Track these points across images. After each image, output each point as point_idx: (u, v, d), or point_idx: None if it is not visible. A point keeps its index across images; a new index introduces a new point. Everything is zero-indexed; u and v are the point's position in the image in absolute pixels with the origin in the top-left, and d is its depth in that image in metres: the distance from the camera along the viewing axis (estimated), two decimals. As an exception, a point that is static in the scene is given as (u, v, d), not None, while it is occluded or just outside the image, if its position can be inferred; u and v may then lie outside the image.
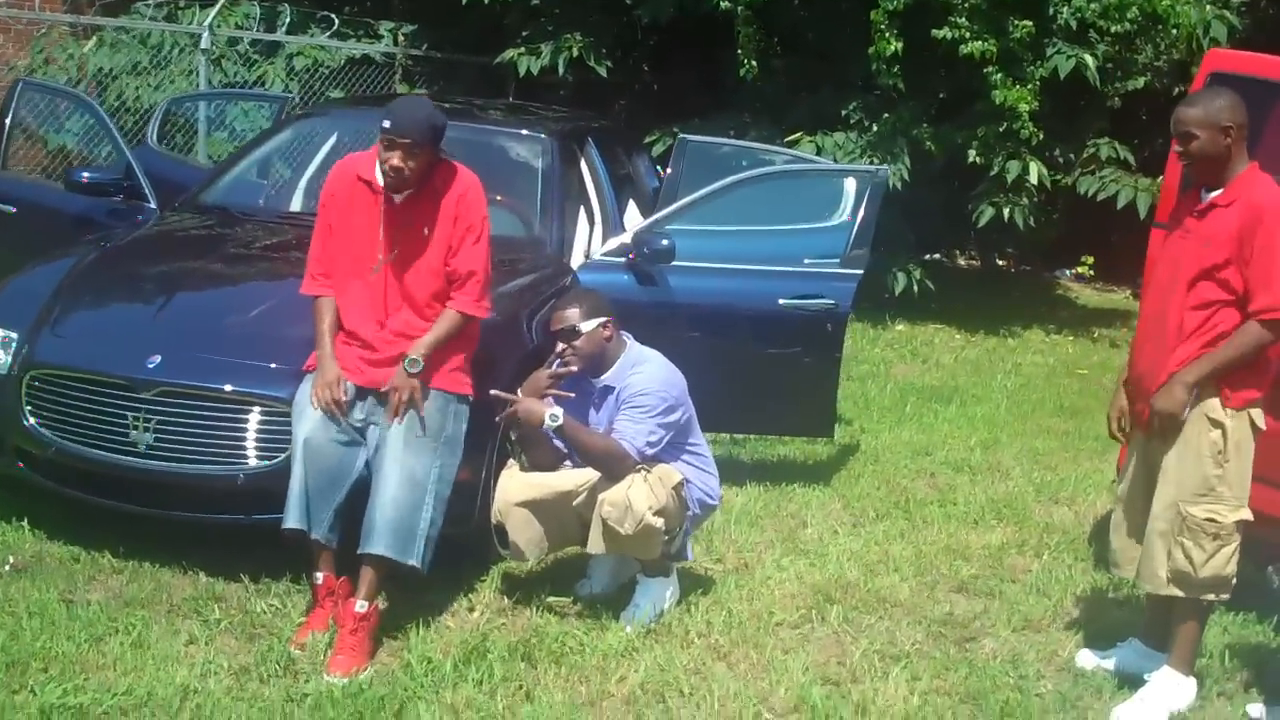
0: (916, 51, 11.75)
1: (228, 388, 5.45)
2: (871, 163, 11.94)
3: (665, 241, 6.86)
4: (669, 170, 8.21)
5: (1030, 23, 11.56)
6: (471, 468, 5.57)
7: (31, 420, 5.64)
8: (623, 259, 6.99)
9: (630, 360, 5.45)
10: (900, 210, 12.92)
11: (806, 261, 7.19)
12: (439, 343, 5.26)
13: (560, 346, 5.40)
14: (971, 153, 11.98)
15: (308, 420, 5.20)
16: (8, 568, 5.52)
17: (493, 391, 5.32)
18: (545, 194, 7.20)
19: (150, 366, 5.47)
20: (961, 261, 16.77)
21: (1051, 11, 11.85)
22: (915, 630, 5.56)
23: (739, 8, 12.10)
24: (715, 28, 12.90)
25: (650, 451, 5.29)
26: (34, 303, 5.96)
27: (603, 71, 13.23)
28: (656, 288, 6.96)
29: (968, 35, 11.40)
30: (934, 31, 11.50)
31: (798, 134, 12.35)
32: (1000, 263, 16.75)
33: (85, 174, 7.41)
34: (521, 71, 13.17)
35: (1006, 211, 12.08)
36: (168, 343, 5.60)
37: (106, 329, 5.84)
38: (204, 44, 12.94)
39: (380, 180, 5.26)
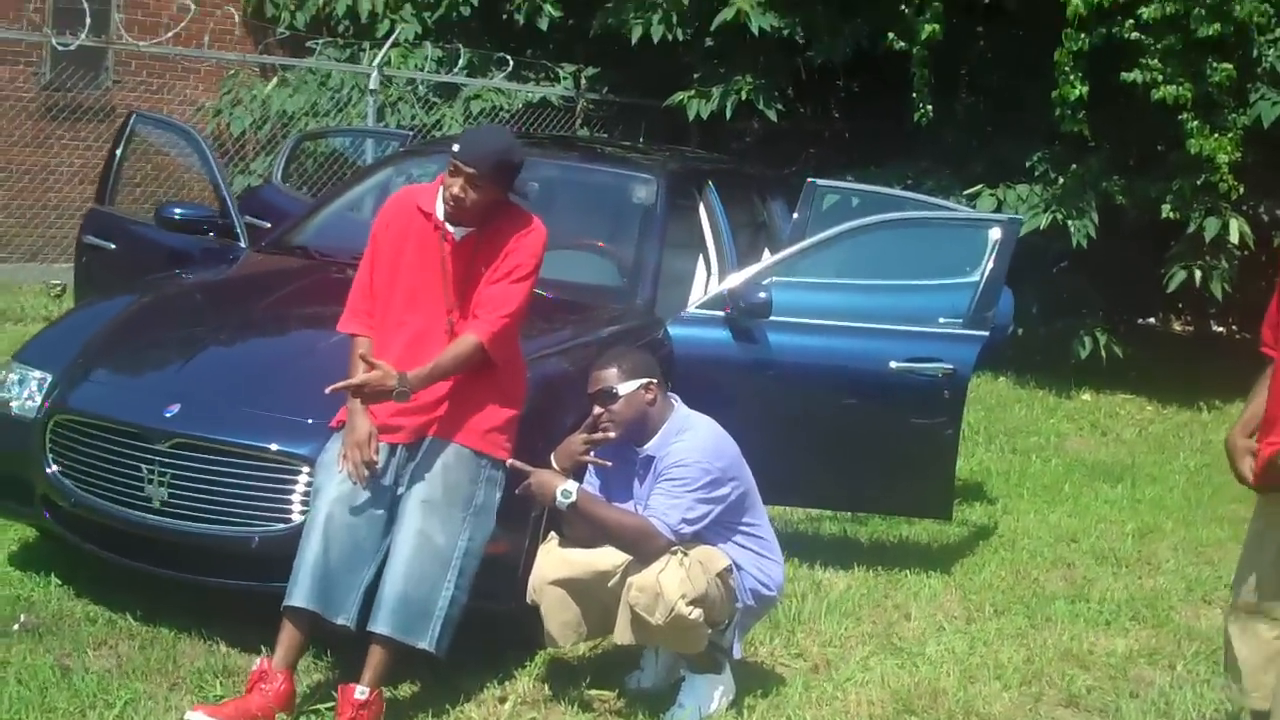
0: (1105, 97, 10.90)
1: (242, 441, 5.00)
2: (1056, 219, 11.16)
3: (762, 294, 6.25)
4: (795, 216, 7.59)
5: (1230, 65, 10.58)
6: (513, 539, 5.04)
7: (54, 468, 5.30)
8: (721, 312, 6.39)
9: (675, 427, 4.84)
10: (1089, 270, 12.10)
11: (940, 320, 6.50)
12: (444, 370, 4.72)
13: (597, 410, 4.83)
14: (1166, 207, 11.04)
15: (332, 488, 4.71)
16: (16, 627, 5.15)
17: (509, 462, 4.78)
18: (643, 240, 6.65)
19: (167, 416, 5.07)
20: (1177, 326, 15.69)
21: (1256, 53, 10.83)
22: (1000, 753, 4.83)
23: (914, 48, 11.40)
24: (896, 69, 12.23)
25: (688, 530, 4.67)
26: (75, 344, 5.64)
27: (772, 115, 12.66)
28: (754, 345, 6.37)
29: (1160, 79, 10.50)
30: (1123, 75, 10.63)
31: (978, 187, 11.59)
32: (1217, 329, 15.58)
33: (177, 210, 7.11)
34: (691, 115, 12.69)
35: (1199, 274, 11.08)
36: (191, 391, 5.20)
37: (133, 375, 5.48)
38: (372, 84, 12.78)
39: (439, 211, 4.80)
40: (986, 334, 6.35)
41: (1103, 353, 11.74)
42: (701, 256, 7.25)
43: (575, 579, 4.81)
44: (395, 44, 13.83)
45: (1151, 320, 14.86)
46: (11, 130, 13.46)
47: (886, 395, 6.33)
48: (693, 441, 4.78)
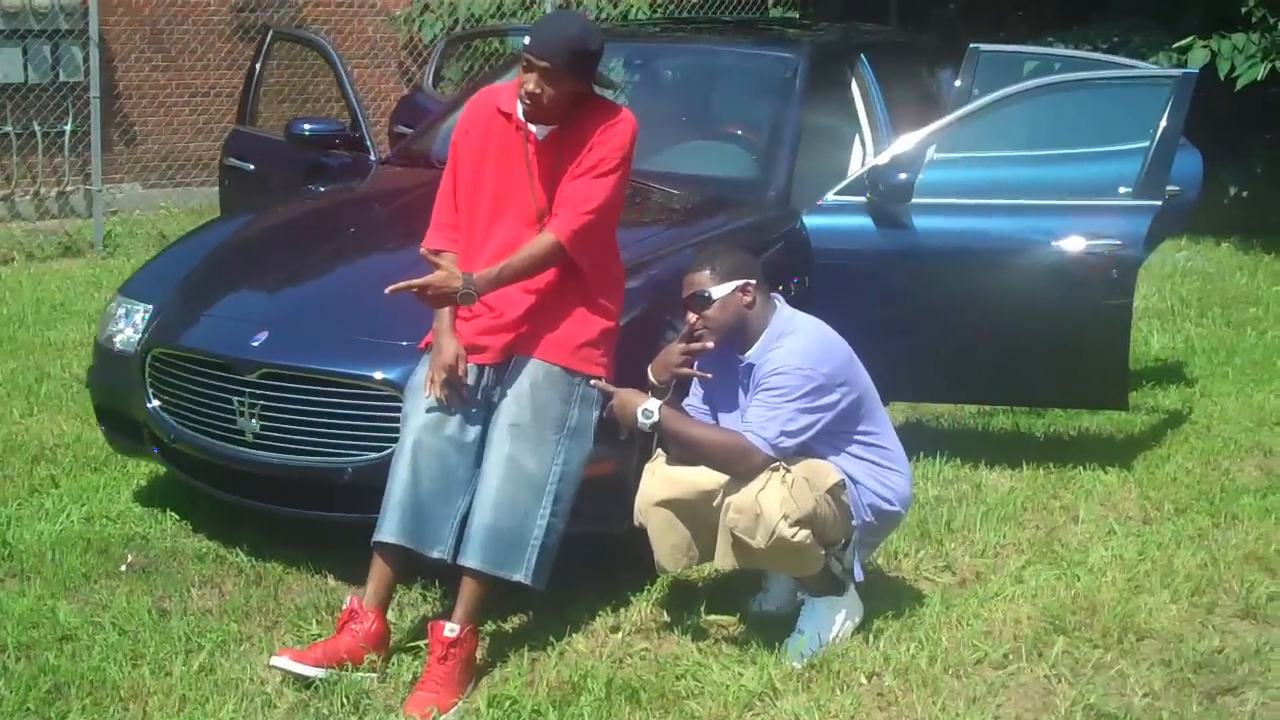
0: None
1: (328, 368, 4.75)
2: (1276, 67, 10.23)
3: (903, 175, 5.74)
4: (957, 85, 7.00)
5: None
6: (620, 457, 4.71)
7: (154, 402, 5.16)
8: (860, 198, 5.90)
9: (777, 330, 4.41)
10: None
11: (1120, 190, 5.88)
12: (518, 272, 4.38)
13: (691, 317, 4.43)
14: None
15: (419, 415, 4.43)
16: (124, 567, 5.05)
17: (592, 382, 4.42)
18: (777, 125, 6.17)
19: (254, 345, 4.86)
20: None
21: None
22: (1157, 675, 4.32)
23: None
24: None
25: (789, 444, 4.25)
26: (178, 274, 5.48)
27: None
28: (899, 231, 5.86)
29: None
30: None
31: (1189, 39, 10.69)
32: None
33: (307, 126, 6.89)
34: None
35: None
36: (280, 319, 4.99)
37: (225, 304, 5.26)
38: (550, -22, 12.42)
39: (519, 111, 4.45)
40: (1159, 203, 5.73)
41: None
42: (857, 138, 6.75)
43: (681, 499, 4.45)
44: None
45: None
46: (205, 53, 13.50)
47: (1048, 277, 5.77)
48: (794, 346, 4.35)
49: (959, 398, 6.40)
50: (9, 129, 12.54)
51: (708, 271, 4.41)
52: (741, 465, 4.23)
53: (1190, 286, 9.56)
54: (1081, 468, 6.00)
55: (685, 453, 4.36)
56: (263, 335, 4.87)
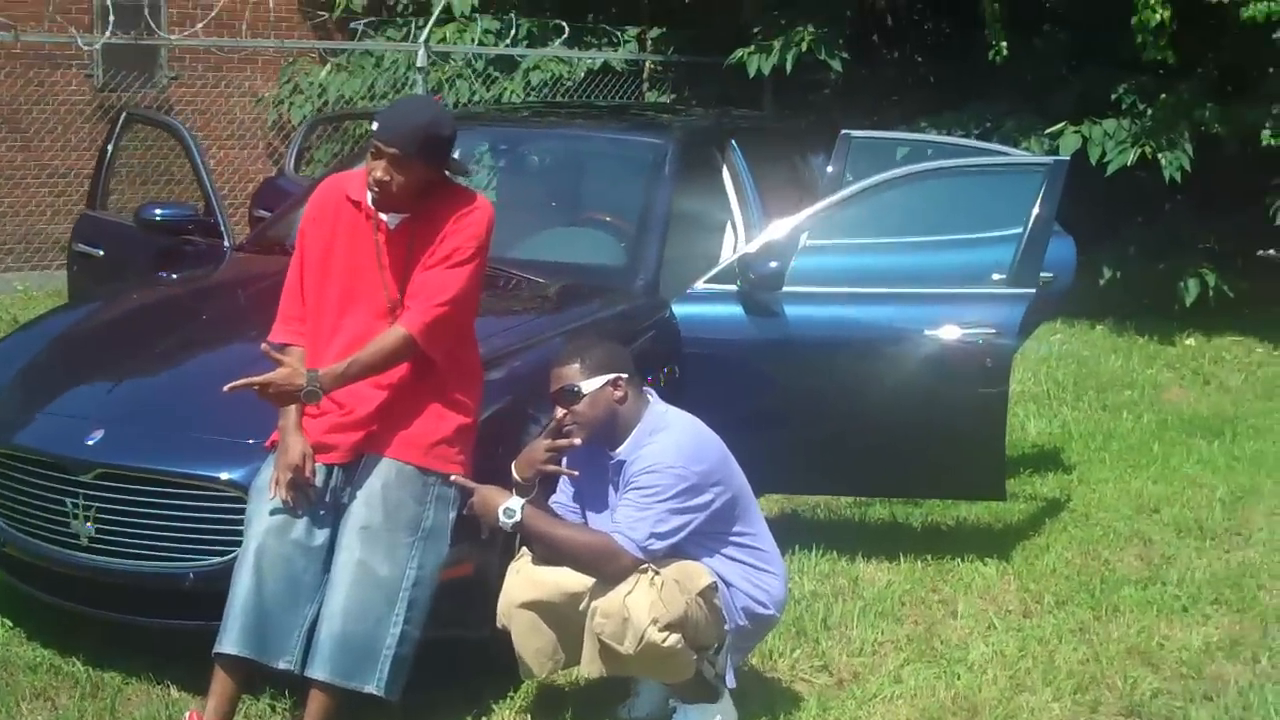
0: (1191, 18, 10.01)
1: (167, 469, 4.48)
2: (1145, 152, 10.33)
3: (773, 263, 5.61)
4: (829, 171, 6.91)
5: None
6: (480, 558, 4.48)
7: (-14, 505, 4.84)
8: (731, 287, 5.75)
9: (649, 427, 4.22)
10: (1192, 207, 11.24)
11: (990, 278, 5.79)
12: (366, 367, 4.14)
13: (560, 412, 4.23)
14: (1266, 134, 10.15)
15: (263, 518, 4.17)
16: (-51, 680, 4.71)
17: (453, 478, 4.20)
18: (645, 211, 6.02)
19: (89, 444, 4.57)
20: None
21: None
22: (1040, 781, 4.16)
23: (983, -20, 10.62)
24: (971, 5, 11.42)
25: (659, 546, 4.05)
26: (14, 366, 5.18)
27: (837, 65, 11.90)
28: (770, 319, 5.71)
29: (1248, -4, 9.59)
30: (1207, -6, 9.76)
31: (1060, 124, 10.78)
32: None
33: (158, 211, 6.62)
34: (751, 71, 11.95)
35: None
36: (116, 416, 4.70)
37: (63, 399, 4.95)
38: (419, 61, 12.27)
39: (369, 199, 4.24)
40: (1033, 291, 5.64)
41: (1211, 294, 10.88)
42: (728, 225, 6.62)
43: (546, 601, 4.23)
44: (450, 19, 13.33)
45: (1272, 251, 13.84)
46: (65, 133, 13.16)
47: (921, 366, 5.64)
48: (666, 443, 4.15)
49: (834, 489, 6.26)
50: None
51: (577, 365, 4.21)
52: (609, 567, 4.02)
53: (1066, 370, 9.54)
54: (960, 559, 5.86)
55: (550, 553, 4.15)
56: (99, 433, 4.58)
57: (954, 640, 5.14)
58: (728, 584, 4.20)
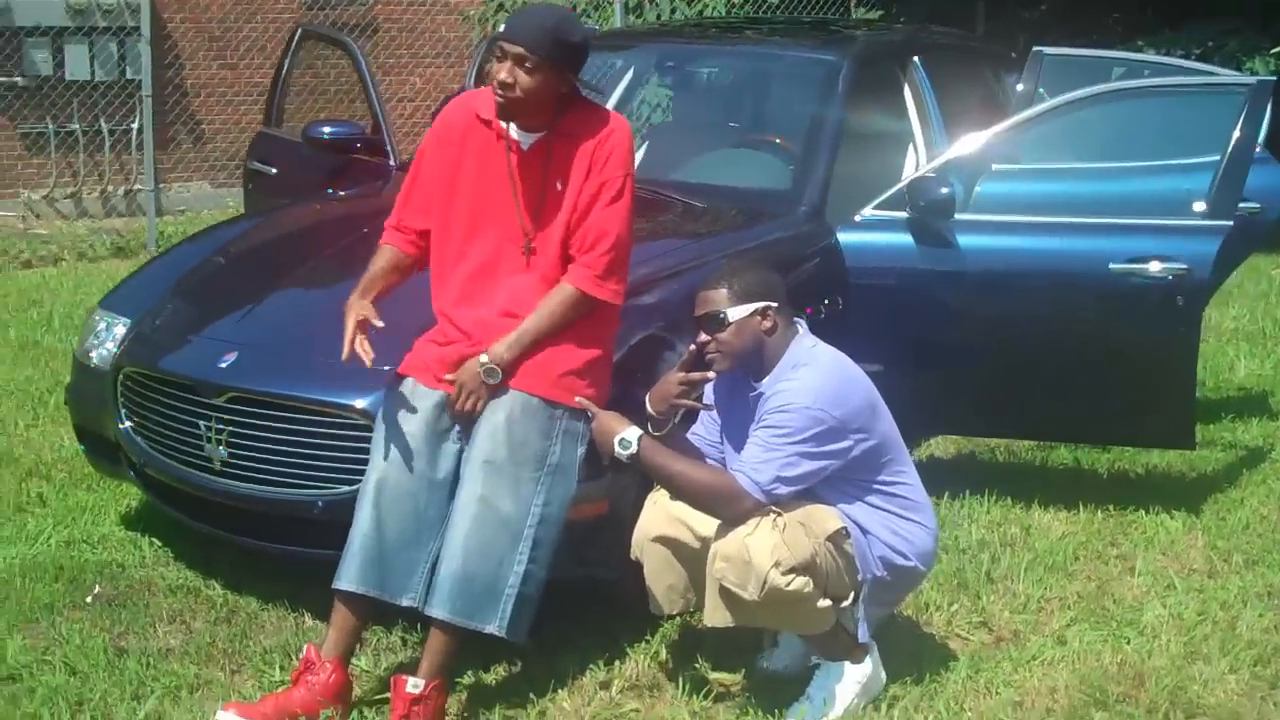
0: None
1: (297, 394, 4.37)
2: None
3: (944, 189, 5.27)
4: (1019, 90, 6.49)
5: None
6: (617, 494, 4.29)
7: (126, 423, 4.82)
8: (901, 214, 5.42)
9: (792, 360, 3.95)
10: None
11: (1195, 207, 5.36)
12: (540, 333, 3.98)
13: (702, 338, 3.99)
14: None
15: (384, 450, 4.03)
16: (90, 598, 4.70)
17: (576, 399, 4.00)
18: (813, 133, 5.71)
19: (222, 367, 4.49)
20: None
21: None
22: (1204, 760, 3.82)
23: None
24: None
25: (784, 491, 3.80)
26: (161, 288, 5.13)
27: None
28: (942, 250, 5.37)
29: None
30: None
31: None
32: None
33: (325, 129, 6.55)
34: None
35: None
36: (251, 339, 4.61)
37: (199, 322, 4.88)
38: (617, -26, 12.03)
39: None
40: (1229, 224, 5.20)
41: None
42: (910, 148, 6.28)
43: (678, 540, 4.03)
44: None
45: None
46: (273, 50, 13.23)
47: (1105, 304, 5.26)
48: (807, 381, 3.88)
49: (1007, 433, 5.90)
50: (76, 126, 12.42)
51: (725, 290, 3.96)
52: (729, 509, 3.79)
53: (1283, 307, 8.96)
54: (1145, 511, 5.47)
55: (669, 491, 3.93)
56: (231, 356, 4.50)
57: (1128, 600, 4.79)
58: (864, 531, 3.93)
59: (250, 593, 4.71)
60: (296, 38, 7.43)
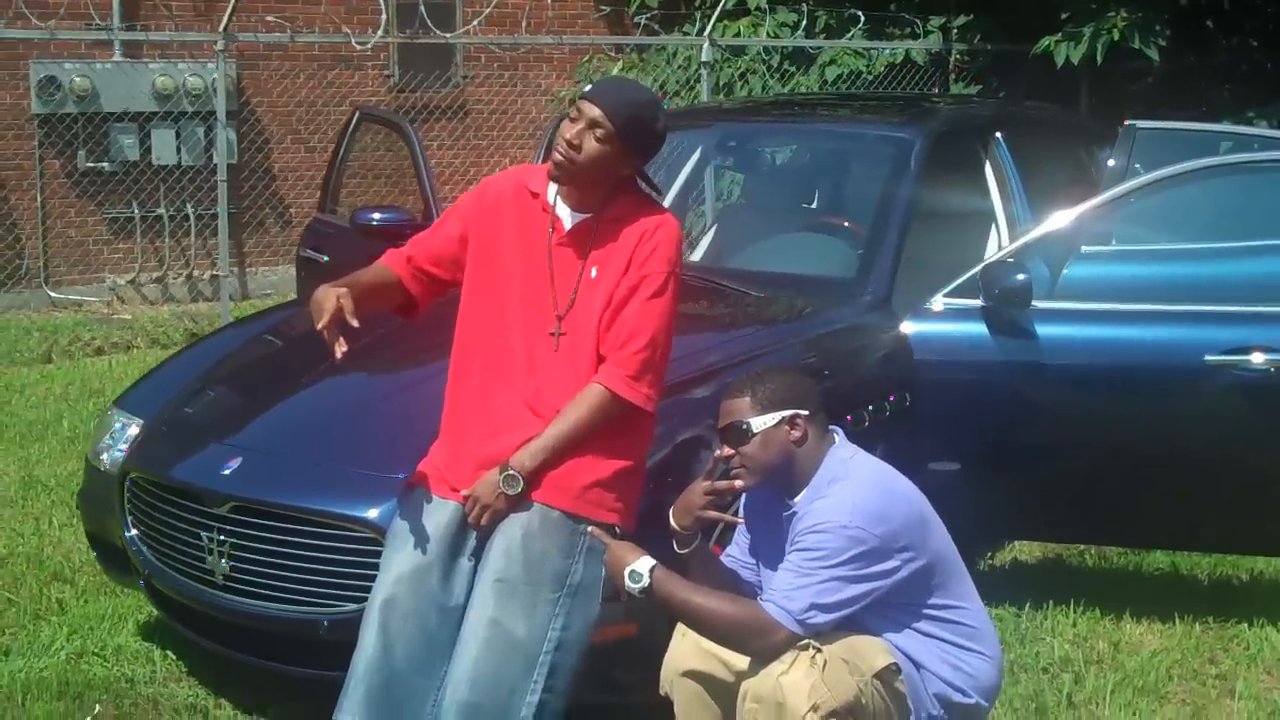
0: None
1: (302, 504, 4.04)
2: None
3: (1021, 276, 4.85)
4: (1111, 165, 6.05)
5: None
6: (649, 616, 3.89)
7: (133, 531, 4.53)
8: (975, 302, 5.01)
9: (828, 475, 3.55)
10: None
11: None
12: (566, 439, 3.62)
13: (725, 450, 3.60)
14: None
15: (393, 568, 3.68)
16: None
17: (589, 529, 3.62)
18: (880, 216, 5.33)
19: (225, 474, 4.18)
20: None
21: None
22: None
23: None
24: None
25: (820, 620, 3.38)
26: (173, 389, 4.86)
27: (1153, 54, 10.84)
28: (1020, 341, 4.94)
29: None
30: None
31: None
32: None
33: (374, 215, 6.28)
34: (1059, 61, 11.09)
35: None
36: (258, 444, 4.31)
37: (208, 425, 4.59)
38: (704, 56, 11.80)
39: (549, 193, 3.75)
40: (1341, 308, 4.73)
41: None
42: (994, 229, 5.86)
43: (709, 675, 3.62)
44: (745, 12, 12.82)
45: None
46: (366, 136, 13.12)
47: (1201, 399, 4.80)
48: (843, 497, 3.47)
49: (1096, 539, 5.44)
50: (162, 210, 12.38)
51: (748, 398, 3.58)
52: (758, 643, 3.38)
53: None
54: (1248, 624, 4.98)
55: (690, 626, 3.53)
56: (235, 462, 4.19)
57: (1224, 730, 4.30)
58: (917, 665, 3.50)
59: (262, 715, 4.37)
60: (354, 121, 7.18)
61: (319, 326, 3.54)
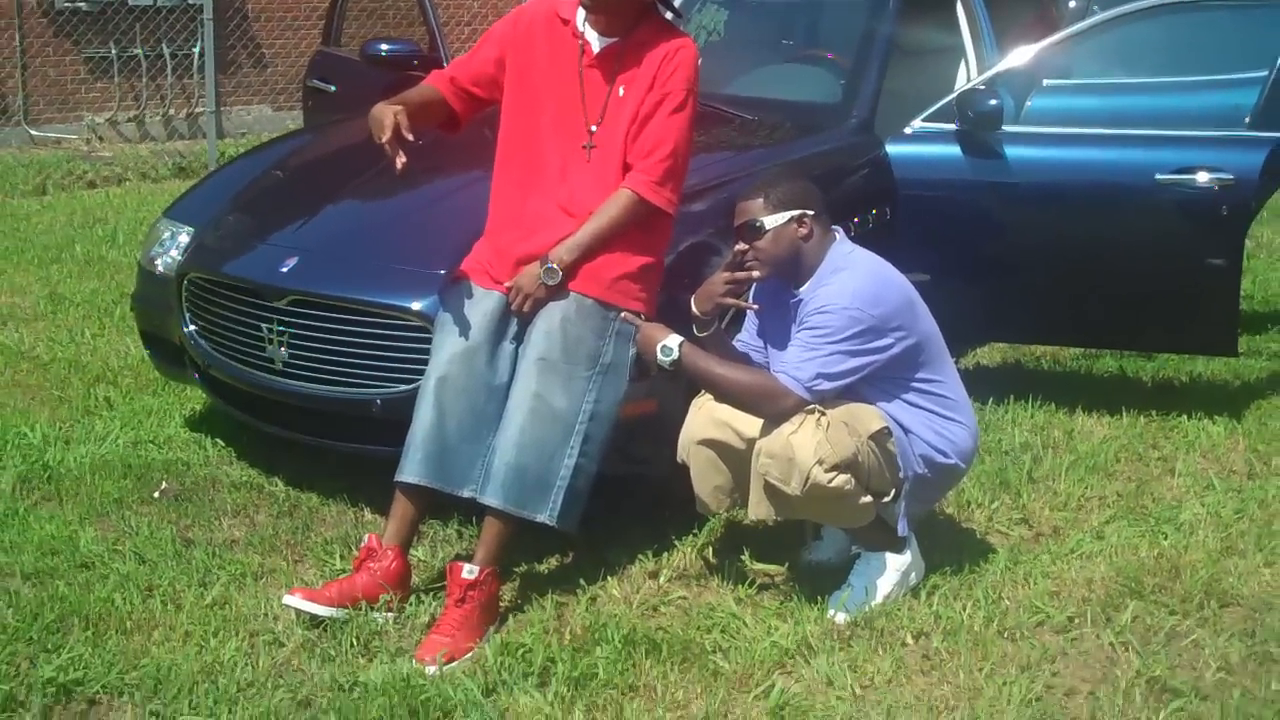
0: None
1: (357, 296, 4.52)
2: None
3: (993, 101, 5.34)
4: (1072, 5, 6.53)
5: None
6: (665, 395, 4.43)
7: (191, 327, 4.99)
8: (949, 126, 5.50)
9: (831, 266, 4.06)
10: None
11: (1245, 121, 5.42)
12: (599, 237, 4.11)
13: (740, 246, 4.10)
14: None
15: (446, 348, 4.18)
16: (157, 494, 4.89)
17: (623, 315, 4.12)
18: (863, 47, 5.80)
19: (283, 271, 4.64)
20: None
21: None
22: (1236, 647, 3.91)
23: None
24: None
25: (827, 387, 3.91)
26: (224, 197, 5.29)
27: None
28: (989, 161, 5.45)
29: None
30: None
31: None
32: None
33: (383, 46, 6.67)
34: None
35: None
36: (312, 244, 4.76)
37: (261, 229, 5.01)
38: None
39: (579, 18, 4.20)
40: (1277, 135, 5.24)
41: None
42: (961, 63, 6.34)
43: (723, 442, 4.15)
44: None
45: None
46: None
47: (1151, 214, 5.33)
48: (845, 283, 3.99)
49: (1055, 339, 6.01)
50: (139, 51, 12.59)
51: (761, 200, 4.07)
52: (772, 407, 3.91)
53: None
54: (1187, 416, 5.57)
55: (713, 393, 4.06)
56: (292, 261, 4.65)
57: (1166, 499, 4.90)
58: (906, 429, 4.05)
59: (311, 489, 4.89)
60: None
61: (382, 140, 3.99)
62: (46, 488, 4.92)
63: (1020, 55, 5.65)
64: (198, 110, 12.55)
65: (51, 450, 5.18)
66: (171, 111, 12.90)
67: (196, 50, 12.37)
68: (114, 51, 12.50)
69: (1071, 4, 6.56)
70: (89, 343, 6.46)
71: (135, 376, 5.94)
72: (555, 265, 4.09)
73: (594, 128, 4.18)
